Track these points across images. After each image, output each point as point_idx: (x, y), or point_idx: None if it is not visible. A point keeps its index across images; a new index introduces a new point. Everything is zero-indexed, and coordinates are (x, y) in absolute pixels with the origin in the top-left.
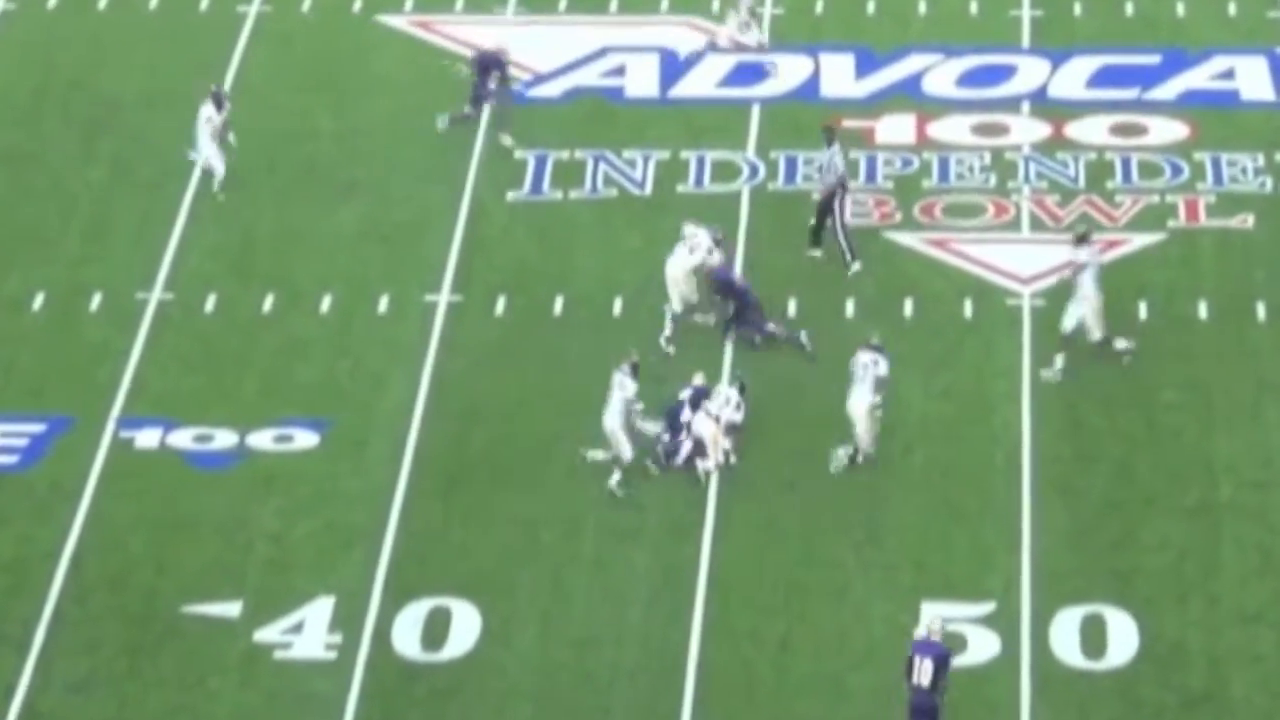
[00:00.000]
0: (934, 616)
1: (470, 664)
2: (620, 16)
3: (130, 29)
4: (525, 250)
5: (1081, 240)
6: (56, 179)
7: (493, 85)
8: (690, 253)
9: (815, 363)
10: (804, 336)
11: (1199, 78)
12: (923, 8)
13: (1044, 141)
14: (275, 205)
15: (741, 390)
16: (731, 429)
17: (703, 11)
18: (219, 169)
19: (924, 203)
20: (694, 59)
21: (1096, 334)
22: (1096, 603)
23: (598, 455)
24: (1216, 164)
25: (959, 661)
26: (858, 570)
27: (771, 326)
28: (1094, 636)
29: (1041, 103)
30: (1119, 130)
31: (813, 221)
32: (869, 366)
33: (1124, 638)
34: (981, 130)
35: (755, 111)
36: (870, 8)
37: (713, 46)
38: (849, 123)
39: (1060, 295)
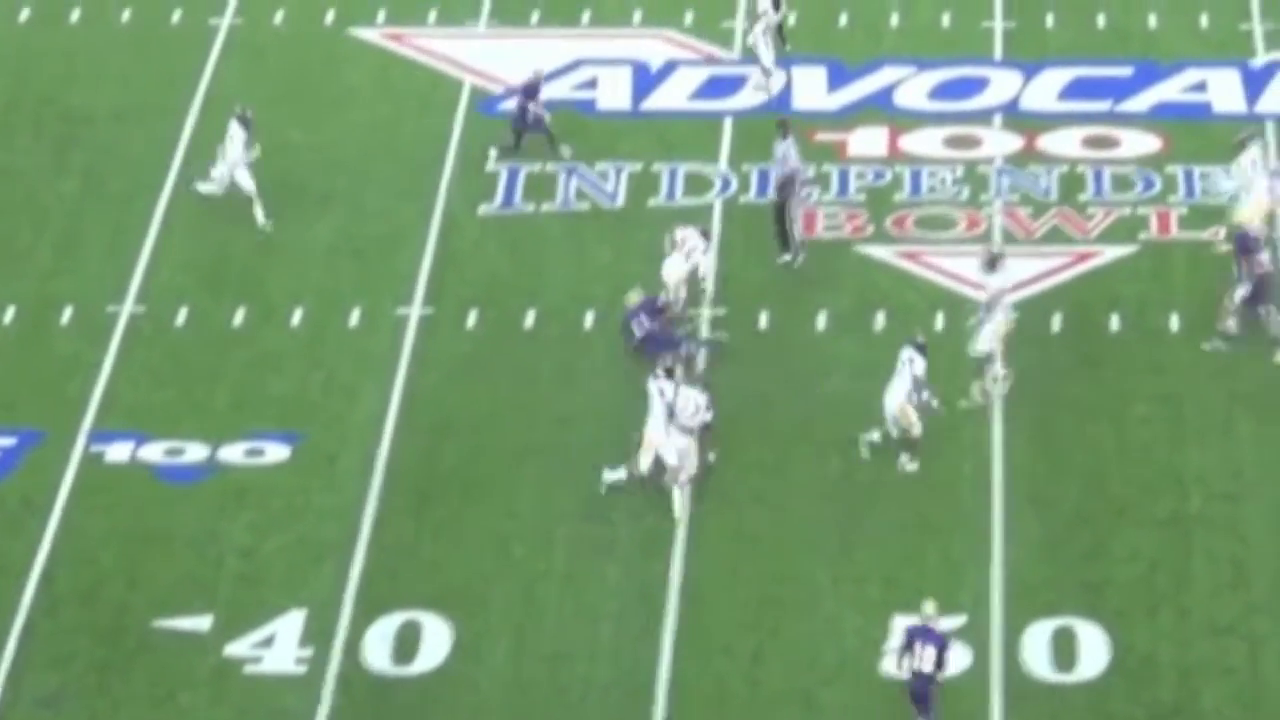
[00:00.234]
0: (929, 601)
1: (441, 679)
2: (592, 30)
3: (102, 42)
4: (497, 263)
5: (993, 265)
6: (28, 192)
7: (533, 109)
8: (686, 257)
9: (780, 370)
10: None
11: (1171, 90)
12: (895, 20)
13: (1016, 154)
14: (247, 218)
15: (706, 387)
16: (704, 429)
17: (675, 25)
18: (250, 188)
19: (896, 215)
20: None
21: (986, 348)
22: (1067, 615)
23: (614, 477)
24: (1189, 177)
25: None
26: (829, 584)
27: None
28: (1065, 649)
29: (1014, 115)
30: (1091, 143)
31: (775, 225)
32: (906, 363)
33: (1095, 651)
34: (953, 143)
35: (728, 124)
36: (843, 20)
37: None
38: (821, 136)
39: (1032, 308)
